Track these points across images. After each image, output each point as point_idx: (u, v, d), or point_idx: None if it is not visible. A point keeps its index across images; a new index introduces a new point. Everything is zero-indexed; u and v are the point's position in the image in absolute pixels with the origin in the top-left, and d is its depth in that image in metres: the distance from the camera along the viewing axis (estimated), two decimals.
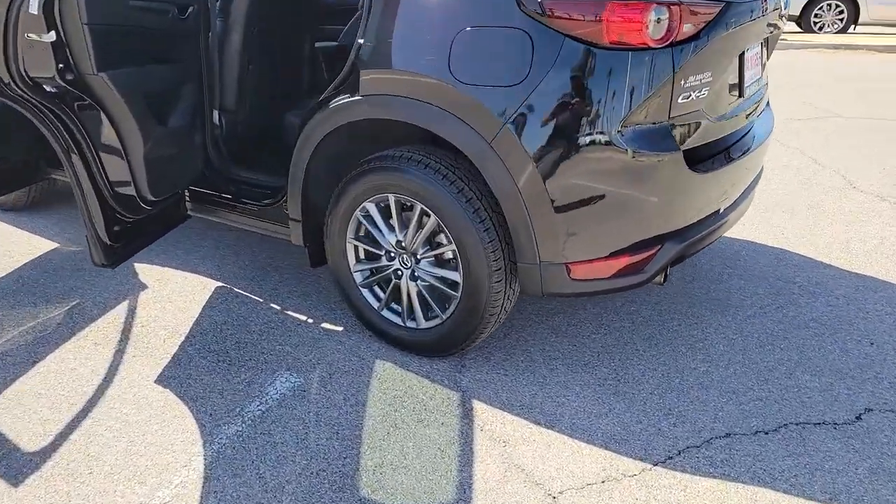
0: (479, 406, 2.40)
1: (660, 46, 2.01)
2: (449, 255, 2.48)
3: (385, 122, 2.42)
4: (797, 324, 2.88)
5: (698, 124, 2.21)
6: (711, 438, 2.23)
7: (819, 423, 2.30)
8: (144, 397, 2.47)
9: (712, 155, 2.35)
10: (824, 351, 2.69)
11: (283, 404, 2.42)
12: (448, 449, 2.21)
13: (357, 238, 2.67)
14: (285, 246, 3.58)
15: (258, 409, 2.40)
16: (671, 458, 2.16)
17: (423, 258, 2.50)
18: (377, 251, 2.64)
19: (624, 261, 2.25)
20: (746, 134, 2.60)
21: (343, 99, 2.45)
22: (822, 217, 3.97)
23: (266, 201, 2.91)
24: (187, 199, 3.17)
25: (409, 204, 2.48)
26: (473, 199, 2.30)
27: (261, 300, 3.12)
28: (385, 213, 2.56)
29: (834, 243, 3.63)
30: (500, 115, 2.12)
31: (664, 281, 2.37)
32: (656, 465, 2.13)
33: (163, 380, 2.56)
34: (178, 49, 2.65)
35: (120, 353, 2.74)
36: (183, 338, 2.83)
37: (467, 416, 2.36)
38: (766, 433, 2.25)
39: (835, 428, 2.27)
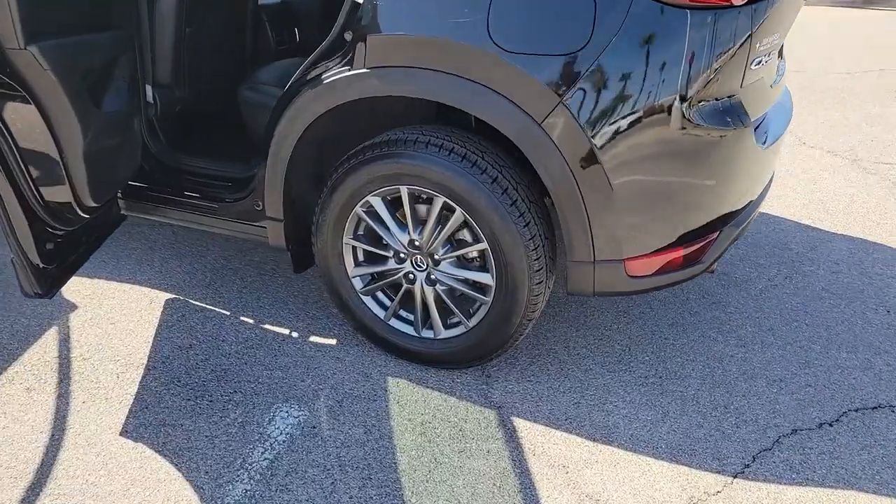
0: (522, 425, 2.10)
1: (741, 4, 1.72)
2: (473, 254, 2.12)
3: (388, 99, 2.00)
4: (811, 295, 2.78)
5: (760, 94, 1.96)
6: (780, 437, 2.06)
7: (876, 407, 2.18)
8: (113, 457, 1.97)
9: (759, 129, 2.12)
10: (848, 324, 2.60)
11: (293, 448, 2.01)
12: (505, 483, 1.90)
13: (356, 237, 2.25)
14: (238, 242, 3.07)
15: (264, 459, 1.97)
16: (748, 466, 1.97)
17: (445, 259, 2.14)
18: (382, 252, 2.24)
19: (682, 251, 1.99)
20: (778, 106, 2.39)
21: (341, 72, 1.99)
22: (787, 177, 3.93)
23: (232, 196, 2.41)
24: (119, 196, 2.59)
25: (425, 197, 2.10)
26: (510, 190, 1.95)
27: (227, 313, 2.64)
28: (393, 208, 2.16)
29: (809, 204, 3.59)
30: (554, 90, 1.76)
31: (714, 269, 2.15)
32: (736, 476, 1.93)
33: (131, 430, 2.07)
34: (115, 11, 2.07)
35: (64, 398, 2.20)
36: (142, 371, 2.32)
37: (512, 438, 2.05)
38: (831, 424, 2.11)
39: (892, 411, 2.17)
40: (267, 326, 2.56)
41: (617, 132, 1.77)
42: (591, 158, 1.80)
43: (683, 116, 1.76)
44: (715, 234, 2.02)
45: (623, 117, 1.76)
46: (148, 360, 2.36)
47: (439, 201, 2.03)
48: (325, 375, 2.30)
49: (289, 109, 2.11)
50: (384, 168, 2.04)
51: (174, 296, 2.74)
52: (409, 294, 2.27)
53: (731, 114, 1.82)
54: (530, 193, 2.02)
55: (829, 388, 2.27)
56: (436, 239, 2.10)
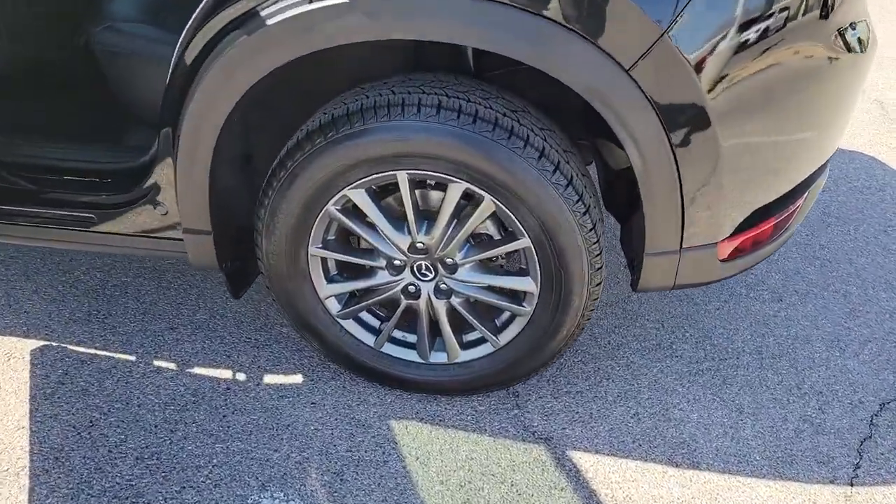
0: (584, 462, 1.63)
1: None
2: (498, 255, 1.54)
3: (340, 49, 1.31)
4: (816, 223, 2.49)
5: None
6: (872, 418, 1.76)
7: None
8: None
9: None
10: (869, 255, 2.34)
11: None
12: None
13: (327, 245, 1.58)
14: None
15: None
16: (858, 466, 1.64)
17: (466, 263, 1.54)
18: (368, 262, 1.59)
19: (774, 221, 1.54)
20: None
21: (295, 6, 1.25)
22: None
23: (116, 199, 1.62)
24: None
25: (433, 183, 1.47)
26: (563, 166, 1.37)
27: (133, 359, 1.88)
28: (378, 199, 1.51)
29: None
30: (655, 20, 1.17)
31: None
32: (852, 484, 1.60)
33: None
34: None
35: None
36: (40, 472, 1.56)
37: (581, 486, 1.58)
38: None
39: None
40: (198, 372, 1.84)
41: (736, 72, 1.23)
42: (697, 113, 1.25)
43: (831, 41, 1.25)
44: (804, 195, 1.58)
45: (748, 49, 1.22)
46: (31, 466, 1.60)
47: (458, 188, 1.41)
48: (306, 435, 1.67)
49: (207, 71, 1.34)
50: (371, 148, 1.37)
51: (46, 343, 1.92)
52: (410, 311, 1.66)
53: (860, 42, 1.35)
54: (581, 167, 1.45)
55: (889, 339, 1.99)
56: (452, 239, 1.49)
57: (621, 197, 1.67)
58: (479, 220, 1.46)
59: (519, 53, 1.23)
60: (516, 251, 1.50)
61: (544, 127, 1.41)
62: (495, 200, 1.40)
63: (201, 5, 1.34)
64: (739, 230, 1.47)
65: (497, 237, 1.54)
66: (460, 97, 1.35)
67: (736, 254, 1.51)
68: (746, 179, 1.38)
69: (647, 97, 1.23)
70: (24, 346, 1.90)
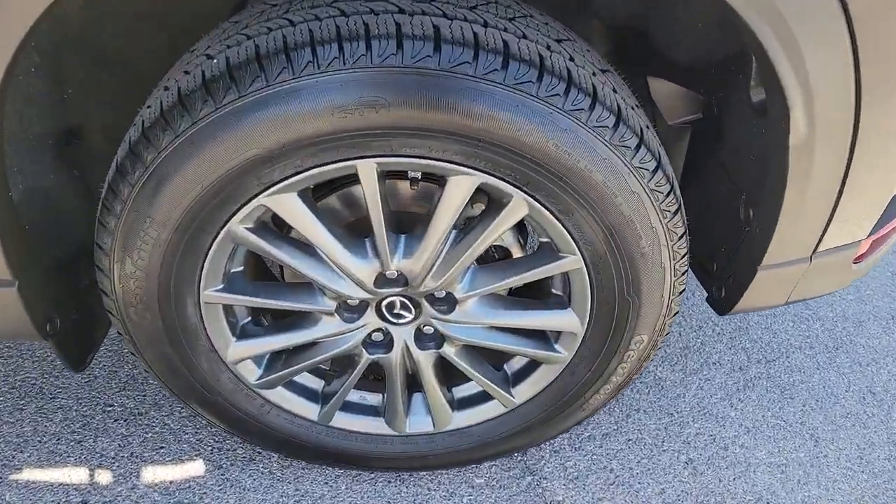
0: None
1: None
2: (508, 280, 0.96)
3: None
4: None
5: None
6: None
7: None
8: None
9: None
10: None
11: None
12: None
13: (231, 285, 0.92)
14: None
15: None
16: None
17: (474, 296, 0.94)
18: (304, 306, 0.95)
19: None
20: None
21: None
22: None
23: None
24: None
25: (417, 175, 0.85)
26: (648, 138, 0.80)
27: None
28: (330, 216, 0.88)
29: None
30: None
31: None
32: None
33: None
34: None
35: None
36: None
37: None
38: None
39: None
40: (26, 482, 1.16)
41: None
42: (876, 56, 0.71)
43: None
44: None
45: None
46: None
47: (468, 182, 0.80)
48: None
49: None
50: (310, 120, 0.72)
51: None
52: (376, 368, 1.05)
53: None
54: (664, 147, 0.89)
55: None
56: (450, 262, 0.89)
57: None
58: (499, 231, 0.86)
59: None
60: (548, 278, 0.93)
61: (606, 69, 0.82)
62: (534, 200, 0.81)
63: None
64: (881, 223, 0.97)
65: (517, 252, 0.95)
66: (479, 20, 0.73)
67: (870, 251, 1.02)
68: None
69: (844, 8, 0.66)
70: None
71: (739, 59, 0.90)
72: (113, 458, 1.20)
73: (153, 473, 1.18)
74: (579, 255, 0.87)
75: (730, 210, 0.98)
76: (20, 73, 0.79)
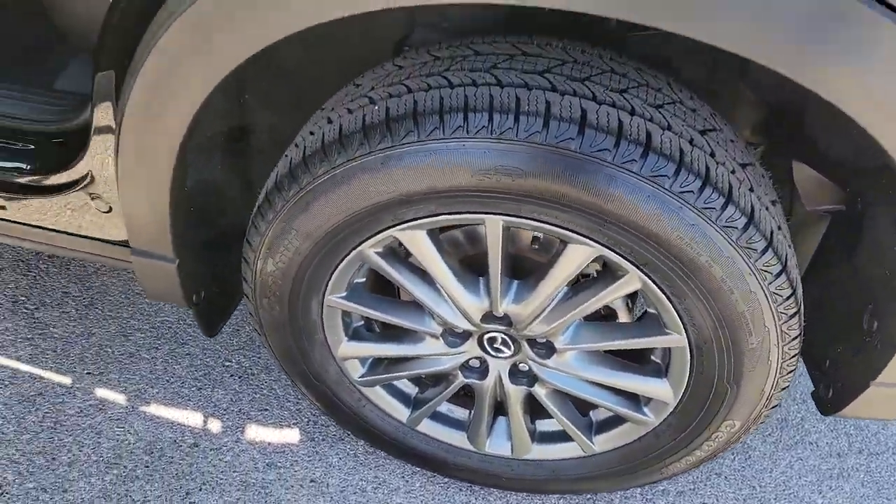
0: None
1: None
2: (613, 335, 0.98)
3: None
4: None
5: None
6: None
7: None
8: None
9: None
10: None
11: None
12: None
13: (353, 295, 1.01)
14: None
15: None
16: None
17: (573, 350, 0.98)
18: (414, 326, 1.03)
19: None
20: None
21: None
22: None
23: (37, 176, 1.04)
24: None
25: (542, 237, 0.90)
26: (777, 239, 0.79)
27: (70, 382, 1.35)
28: (452, 247, 0.94)
29: None
30: None
31: None
32: None
33: None
34: None
35: None
36: None
37: None
38: None
39: None
40: (157, 415, 1.32)
41: None
42: None
43: None
44: None
45: None
46: None
47: (586, 252, 0.83)
48: None
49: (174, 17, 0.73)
50: (452, 175, 0.78)
51: None
52: (467, 390, 1.12)
53: None
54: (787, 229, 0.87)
55: None
56: (556, 315, 0.93)
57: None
58: (610, 298, 0.89)
59: None
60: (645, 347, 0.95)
61: (747, 162, 0.82)
62: (649, 279, 0.83)
63: None
64: None
65: (623, 315, 0.98)
66: (627, 106, 0.75)
67: None
68: None
69: None
70: None
71: (887, 171, 0.86)
72: (224, 410, 1.35)
73: (255, 432, 1.32)
74: (685, 336, 0.88)
75: (853, 314, 0.95)
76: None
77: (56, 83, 1.17)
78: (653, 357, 1.00)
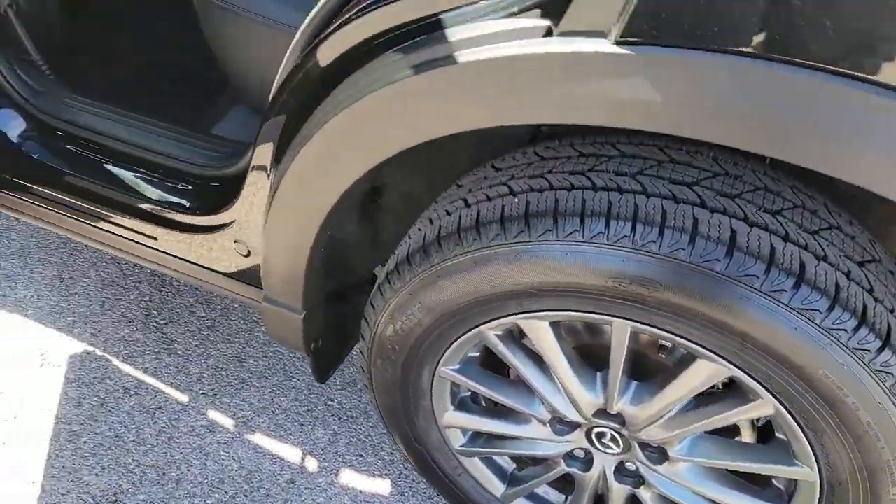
0: None
1: None
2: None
3: None
4: None
5: None
6: None
7: None
8: None
9: None
10: None
11: None
12: None
13: (465, 369, 1.01)
14: None
15: None
16: None
17: (683, 461, 0.93)
18: (522, 409, 1.02)
19: None
20: None
21: (524, 36, 0.66)
22: None
23: (195, 216, 1.12)
24: None
25: (669, 347, 0.86)
26: None
27: (187, 400, 1.44)
28: (570, 334, 0.92)
29: None
30: None
31: None
32: None
33: None
34: None
35: None
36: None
37: None
38: None
39: None
40: (258, 444, 1.38)
41: None
42: None
43: None
44: None
45: None
46: None
47: (715, 371, 0.79)
48: None
49: (336, 110, 0.77)
50: (586, 275, 0.76)
51: (87, 348, 1.51)
52: (567, 479, 1.09)
53: None
54: None
55: None
56: (675, 425, 0.89)
57: None
58: (738, 419, 0.84)
59: None
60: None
61: (890, 289, 0.76)
62: (784, 409, 0.78)
63: None
64: None
65: (747, 433, 0.92)
66: (780, 231, 0.71)
67: None
68: None
69: None
70: (56, 357, 1.50)
71: None
72: (322, 450, 1.38)
73: (349, 477, 1.34)
74: (816, 471, 0.82)
75: None
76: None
77: (214, 128, 1.27)
78: (776, 482, 0.93)
